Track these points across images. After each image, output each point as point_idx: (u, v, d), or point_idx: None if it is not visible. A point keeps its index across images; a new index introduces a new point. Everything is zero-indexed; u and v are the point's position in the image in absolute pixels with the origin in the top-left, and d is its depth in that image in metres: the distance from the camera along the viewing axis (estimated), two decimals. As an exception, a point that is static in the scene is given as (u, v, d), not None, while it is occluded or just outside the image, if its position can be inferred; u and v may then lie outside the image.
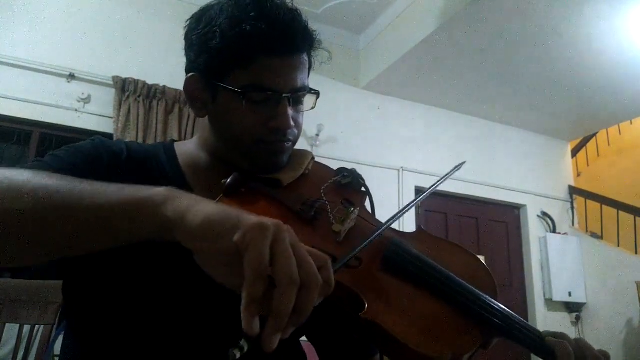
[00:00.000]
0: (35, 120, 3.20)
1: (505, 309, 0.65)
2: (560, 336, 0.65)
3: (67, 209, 0.48)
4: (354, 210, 0.71)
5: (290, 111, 0.70)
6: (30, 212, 0.48)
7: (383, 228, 0.65)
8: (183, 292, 0.67)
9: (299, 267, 0.42)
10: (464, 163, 0.89)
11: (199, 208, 0.46)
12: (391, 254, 0.67)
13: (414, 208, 4.25)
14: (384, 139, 4.35)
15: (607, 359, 0.64)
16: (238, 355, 0.39)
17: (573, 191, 5.19)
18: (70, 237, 0.50)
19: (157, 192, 0.49)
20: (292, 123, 0.71)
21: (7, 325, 1.89)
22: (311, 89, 0.74)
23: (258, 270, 0.41)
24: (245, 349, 0.39)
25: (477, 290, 0.66)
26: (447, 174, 0.83)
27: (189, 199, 0.48)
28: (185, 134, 3.44)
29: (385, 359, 0.71)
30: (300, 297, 0.41)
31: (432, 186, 0.80)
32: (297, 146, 0.81)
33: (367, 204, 0.80)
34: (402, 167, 4.30)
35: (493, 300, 0.66)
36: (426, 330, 0.60)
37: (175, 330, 0.66)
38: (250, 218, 0.44)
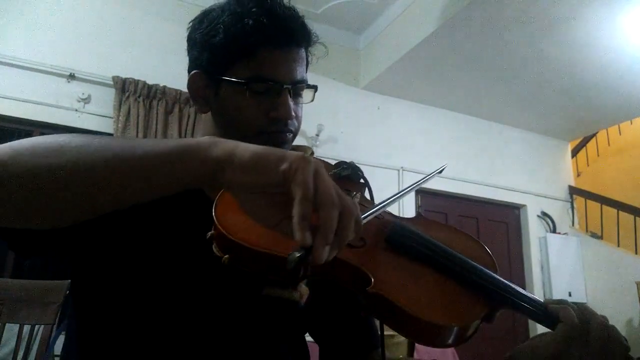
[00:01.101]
0: (35, 120, 3.20)
1: (505, 280, 0.66)
2: (561, 302, 0.66)
3: (117, 160, 0.49)
4: (355, 194, 0.73)
5: (290, 102, 0.73)
6: (81, 165, 0.49)
7: (401, 193, 0.69)
8: (191, 297, 0.68)
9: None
10: (445, 166, 0.92)
11: (244, 146, 0.49)
12: (393, 233, 0.69)
13: (414, 208, 4.26)
14: (384, 139, 4.35)
15: (607, 320, 0.65)
16: (296, 255, 0.43)
17: (573, 191, 5.20)
18: (117, 189, 0.50)
19: (202, 139, 0.51)
20: (292, 113, 0.74)
21: (7, 325, 1.89)
22: (309, 84, 0.77)
23: (306, 190, 0.44)
24: (302, 254, 0.44)
25: (476, 264, 0.67)
26: (428, 175, 0.85)
27: (232, 142, 0.51)
28: (185, 134, 3.44)
29: (388, 347, 0.72)
30: (341, 222, 0.45)
31: (416, 183, 0.81)
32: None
33: (367, 196, 0.82)
34: (402, 167, 4.30)
35: (494, 274, 0.67)
36: (432, 301, 0.61)
37: (181, 335, 0.67)
38: (293, 152, 0.48)
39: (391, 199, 0.68)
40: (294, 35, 0.74)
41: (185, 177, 0.50)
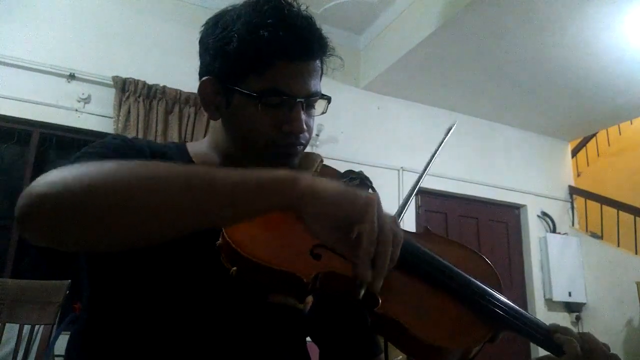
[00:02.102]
0: (35, 120, 3.20)
1: (512, 304, 0.67)
2: (566, 331, 0.67)
3: (205, 192, 0.52)
4: None
5: (303, 115, 0.72)
6: (176, 197, 0.52)
7: (414, 190, 0.72)
8: (196, 302, 0.68)
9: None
10: (454, 125, 0.92)
11: (323, 184, 0.55)
12: (403, 252, 0.68)
13: (414, 208, 4.25)
14: (384, 139, 4.35)
15: (609, 349, 0.66)
16: (363, 291, 0.52)
17: (573, 191, 5.19)
18: (201, 217, 0.53)
19: (284, 172, 0.55)
20: (304, 127, 0.73)
21: (7, 325, 1.89)
22: (323, 95, 0.76)
23: (373, 231, 0.52)
24: (364, 287, 0.52)
25: (484, 286, 0.68)
26: (441, 141, 0.86)
27: (308, 178, 0.55)
28: (185, 134, 3.44)
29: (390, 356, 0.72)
30: (392, 253, 0.54)
31: (431, 158, 0.83)
32: None
33: None
34: (402, 167, 4.30)
35: (500, 296, 0.68)
36: (438, 324, 0.62)
37: (185, 338, 0.67)
38: (362, 194, 0.55)
39: (407, 202, 0.68)
40: (311, 48, 0.72)
41: (265, 209, 0.55)
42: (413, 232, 0.79)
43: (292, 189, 0.53)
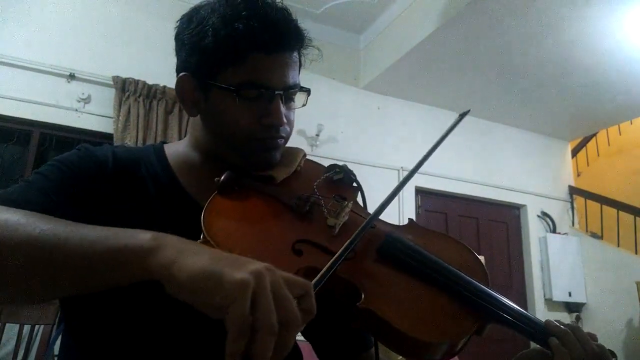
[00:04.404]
0: (35, 120, 3.20)
1: (498, 295, 0.66)
2: (564, 337, 0.65)
3: (53, 259, 0.50)
4: (347, 204, 0.72)
5: (282, 108, 0.71)
6: (20, 260, 0.51)
7: (371, 217, 0.66)
8: (179, 303, 0.67)
9: (278, 309, 0.43)
10: (468, 111, 0.89)
11: (183, 263, 0.46)
12: (385, 245, 0.68)
13: (414, 208, 4.25)
14: (384, 139, 4.34)
15: (596, 340, 0.66)
16: None
17: (573, 191, 5.19)
18: (54, 284, 0.52)
19: (141, 242, 0.49)
20: (284, 120, 0.72)
21: (7, 325, 1.89)
22: (302, 87, 0.75)
23: (239, 329, 0.42)
24: None
25: (468, 277, 0.67)
26: (451, 126, 0.84)
27: (172, 249, 0.48)
28: (185, 133, 3.43)
29: (382, 351, 0.72)
30: (281, 337, 0.43)
31: (438, 141, 0.81)
32: (296, 145, 0.82)
33: (359, 199, 0.82)
34: (402, 167, 4.29)
35: (485, 287, 0.67)
36: (422, 318, 0.61)
37: (170, 341, 0.66)
38: (232, 275, 0.44)
39: (378, 211, 0.67)
40: (287, 39, 0.71)
41: (122, 281, 0.50)
42: (397, 225, 0.78)
43: (140, 266, 0.48)
